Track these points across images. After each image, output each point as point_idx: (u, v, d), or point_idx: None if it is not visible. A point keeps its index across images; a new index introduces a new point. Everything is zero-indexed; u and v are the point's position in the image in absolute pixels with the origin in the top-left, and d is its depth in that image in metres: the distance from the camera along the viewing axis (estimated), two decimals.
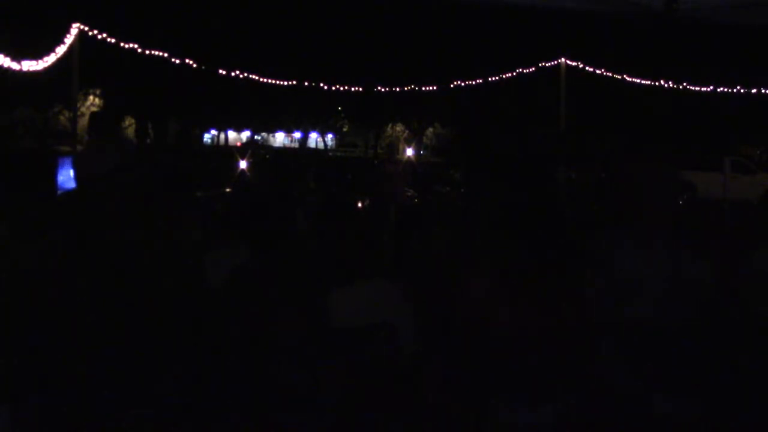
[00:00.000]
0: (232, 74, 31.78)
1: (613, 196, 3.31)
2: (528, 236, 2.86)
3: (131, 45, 27.64)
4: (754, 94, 32.32)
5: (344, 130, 58.91)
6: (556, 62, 31.45)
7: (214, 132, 59.92)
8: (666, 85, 32.87)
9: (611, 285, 3.04)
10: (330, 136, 61.39)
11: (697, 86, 33.10)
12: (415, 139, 48.28)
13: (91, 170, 2.84)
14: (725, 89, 32.70)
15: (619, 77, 32.55)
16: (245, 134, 63.29)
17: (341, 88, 34.52)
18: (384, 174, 13.53)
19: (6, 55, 20.65)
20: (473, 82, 34.15)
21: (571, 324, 2.84)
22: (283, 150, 52.95)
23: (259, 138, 64.02)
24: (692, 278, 3.09)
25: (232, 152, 23.51)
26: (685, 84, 33.07)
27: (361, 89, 34.53)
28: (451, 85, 34.26)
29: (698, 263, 3.13)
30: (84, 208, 2.83)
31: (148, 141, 42.03)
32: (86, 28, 25.08)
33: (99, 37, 25.93)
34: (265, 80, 33.18)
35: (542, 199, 2.93)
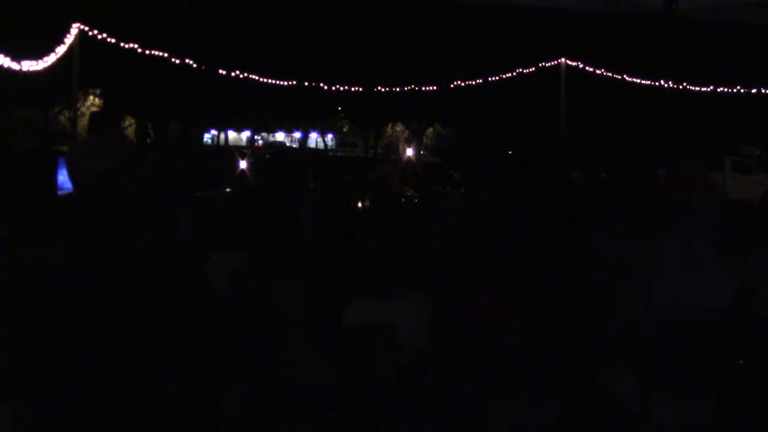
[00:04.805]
0: (232, 74, 31.79)
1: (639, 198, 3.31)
2: (542, 238, 2.86)
3: (131, 45, 27.64)
4: (754, 94, 32.32)
5: (344, 130, 58.87)
6: (556, 62, 31.48)
7: (214, 132, 59.89)
8: (666, 85, 32.87)
9: (618, 285, 3.04)
10: (330, 136, 61.37)
11: (697, 86, 33.11)
12: (415, 139, 48.26)
13: (86, 169, 2.82)
14: (725, 89, 32.71)
15: (619, 77, 32.57)
16: (245, 134, 63.26)
17: (341, 88, 34.53)
18: (382, 174, 13.48)
19: (6, 55, 20.65)
20: (473, 82, 34.16)
21: (573, 326, 2.84)
22: (286, 150, 52.77)
23: (259, 137, 63.95)
24: (703, 279, 3.10)
25: (233, 152, 23.47)
26: (685, 84, 33.08)
27: (361, 89, 34.53)
28: (451, 85, 34.28)
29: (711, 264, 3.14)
30: (83, 209, 2.83)
31: (149, 141, 42.02)
32: (86, 28, 25.08)
33: (99, 37, 25.93)
34: (265, 80, 33.18)
35: (561, 200, 2.93)
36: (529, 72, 32.80)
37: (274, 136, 65.52)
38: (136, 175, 2.88)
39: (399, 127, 53.57)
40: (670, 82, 32.96)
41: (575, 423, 2.81)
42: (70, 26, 24.65)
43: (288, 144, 59.89)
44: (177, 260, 2.98)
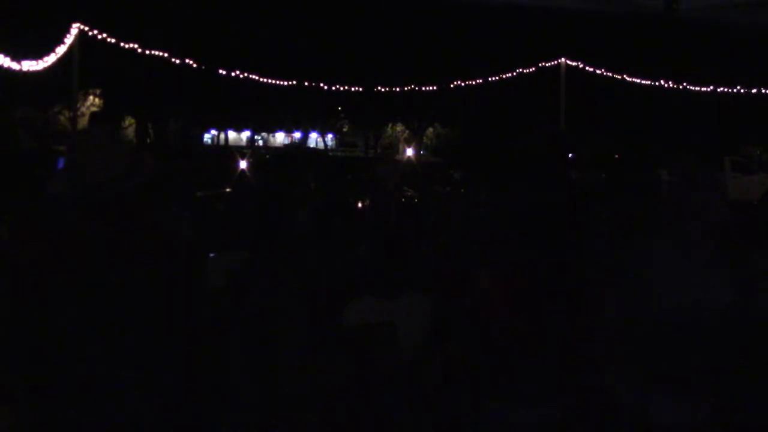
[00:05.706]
0: (232, 74, 31.80)
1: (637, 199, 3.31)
2: (542, 238, 2.86)
3: (131, 45, 27.65)
4: (754, 94, 32.34)
5: (344, 130, 58.88)
6: (556, 62, 31.50)
7: (214, 132, 59.91)
8: (666, 85, 32.89)
9: (622, 287, 3.04)
10: (330, 136, 61.37)
11: (697, 86, 33.12)
12: (415, 139, 48.29)
13: (91, 175, 2.82)
14: (725, 89, 32.72)
15: (619, 77, 32.59)
16: (245, 134, 63.27)
17: (341, 88, 34.55)
18: (381, 174, 13.47)
19: (6, 55, 20.66)
20: (473, 82, 34.17)
21: (573, 326, 2.84)
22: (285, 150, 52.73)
23: (259, 137, 63.92)
24: (706, 281, 3.10)
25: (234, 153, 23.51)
26: (685, 84, 33.09)
27: (361, 89, 34.54)
28: (451, 85, 34.29)
29: (712, 266, 3.15)
30: (83, 209, 2.83)
31: (149, 141, 42.05)
32: (86, 28, 25.09)
33: (99, 37, 25.94)
34: (265, 80, 33.20)
35: (561, 200, 2.93)
36: (529, 72, 32.81)
37: (274, 136, 65.54)
38: (136, 176, 2.88)
39: (399, 127, 53.59)
40: (670, 82, 32.96)
41: (575, 423, 2.81)
42: (70, 26, 24.65)
43: (295, 144, 59.91)
44: (177, 260, 2.98)
